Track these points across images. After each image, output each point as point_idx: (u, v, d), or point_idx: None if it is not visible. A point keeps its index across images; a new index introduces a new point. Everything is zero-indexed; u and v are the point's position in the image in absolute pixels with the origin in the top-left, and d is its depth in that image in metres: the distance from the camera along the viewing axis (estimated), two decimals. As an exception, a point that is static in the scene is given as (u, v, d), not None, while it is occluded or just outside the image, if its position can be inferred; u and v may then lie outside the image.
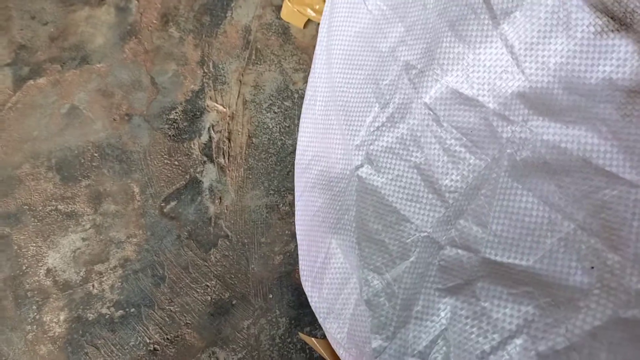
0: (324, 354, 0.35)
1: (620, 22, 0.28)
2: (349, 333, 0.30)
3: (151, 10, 0.52)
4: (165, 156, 0.44)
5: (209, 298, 0.39)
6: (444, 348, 0.26)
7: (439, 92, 0.31)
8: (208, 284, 0.39)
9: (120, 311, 0.38)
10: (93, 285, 0.39)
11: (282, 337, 0.37)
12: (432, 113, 0.31)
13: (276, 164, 0.43)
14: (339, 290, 0.31)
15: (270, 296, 0.38)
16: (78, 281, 0.39)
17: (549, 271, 0.26)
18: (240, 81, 0.48)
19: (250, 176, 0.43)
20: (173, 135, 0.45)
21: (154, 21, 0.51)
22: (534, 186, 0.27)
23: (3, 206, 0.42)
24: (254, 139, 0.45)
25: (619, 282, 0.24)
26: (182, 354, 0.37)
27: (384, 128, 0.32)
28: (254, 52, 0.49)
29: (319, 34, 0.40)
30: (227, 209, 0.42)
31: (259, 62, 0.48)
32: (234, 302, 0.38)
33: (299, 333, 0.36)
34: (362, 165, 0.32)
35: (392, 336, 0.28)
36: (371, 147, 0.32)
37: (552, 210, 0.27)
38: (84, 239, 0.41)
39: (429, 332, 0.27)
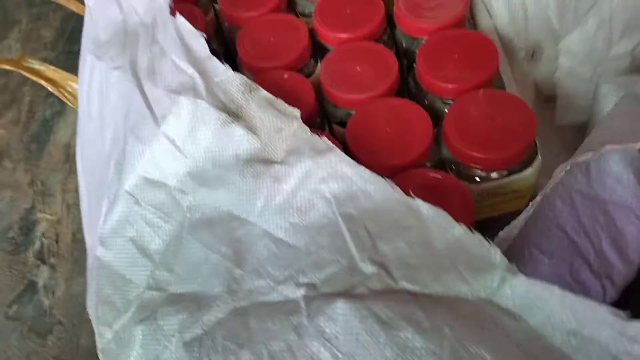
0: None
1: (235, 115, 0.38)
2: None
3: (-13, 151, 0.63)
4: (6, 269, 0.54)
5: (49, 376, 0.48)
6: None
7: (133, 180, 0.40)
8: (47, 364, 0.48)
9: (-23, 406, 0.48)
10: (-47, 391, 0.49)
11: (109, 392, 0.46)
12: (132, 197, 0.40)
13: (98, 251, 0.53)
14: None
15: (98, 361, 0.47)
16: (-58, 391, 0.49)
17: (202, 290, 0.35)
18: (64, 190, 0.59)
19: (76, 267, 0.53)
20: (11, 250, 0.55)
21: (-10, 160, 0.62)
22: (201, 236, 0.37)
23: None
24: (77, 235, 0.55)
25: (239, 287, 0.34)
26: None
27: (108, 215, 0.42)
28: (74, 163, 0.60)
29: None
30: (59, 299, 0.52)
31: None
32: (69, 374, 0.48)
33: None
34: (97, 247, 0.42)
35: None
36: (102, 232, 0.42)
37: (207, 250, 0.36)
38: (-57, 355, 0.50)
39: (131, 353, 0.36)
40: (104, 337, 0.39)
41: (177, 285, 0.37)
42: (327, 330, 0.29)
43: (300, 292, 0.32)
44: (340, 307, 0.29)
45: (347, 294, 0.30)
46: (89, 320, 0.49)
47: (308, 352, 0.28)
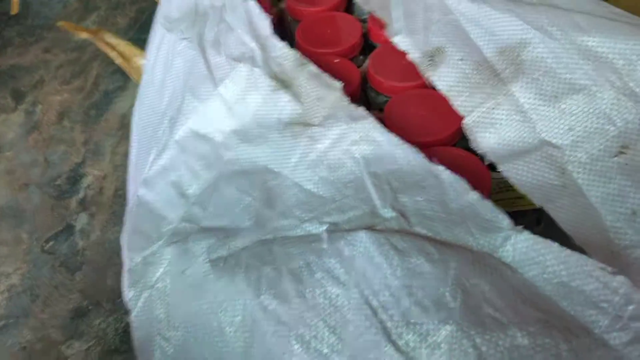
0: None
1: (283, 83, 0.42)
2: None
3: (51, 110, 0.68)
4: (49, 211, 0.58)
5: (72, 306, 0.50)
6: (165, 275, 0.38)
7: (184, 132, 0.44)
8: (72, 297, 0.51)
9: (3, 321, 0.50)
10: (-16, 306, 0.52)
11: (124, 328, 0.49)
12: (180, 146, 0.44)
13: (135, 208, 0.57)
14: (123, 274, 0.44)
15: (119, 300, 0.50)
16: (-27, 304, 0.52)
17: (232, 224, 0.37)
18: (114, 152, 0.63)
19: (113, 218, 0.57)
20: (57, 195, 0.60)
21: (52, 118, 0.67)
22: (236, 182, 0.40)
23: None
24: (119, 192, 0.59)
25: (266, 224, 0.37)
26: (47, 347, 0.49)
27: (154, 161, 0.46)
28: (126, 131, 0.65)
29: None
30: (92, 243, 0.55)
31: (130, 137, 0.63)
32: (90, 308, 0.50)
33: (129, 318, 0.48)
34: (140, 188, 0.46)
35: (138, 285, 0.40)
36: (146, 175, 0.46)
37: (241, 193, 0.39)
38: (-19, 275, 0.54)
39: (159, 270, 0.39)
40: (133, 260, 0.42)
41: (209, 221, 0.40)
42: (346, 251, 0.31)
43: (323, 228, 0.35)
44: (361, 235, 0.32)
45: (368, 228, 0.33)
46: (117, 264, 0.53)
47: (324, 267, 0.31)
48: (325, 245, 0.32)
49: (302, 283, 0.30)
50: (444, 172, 0.34)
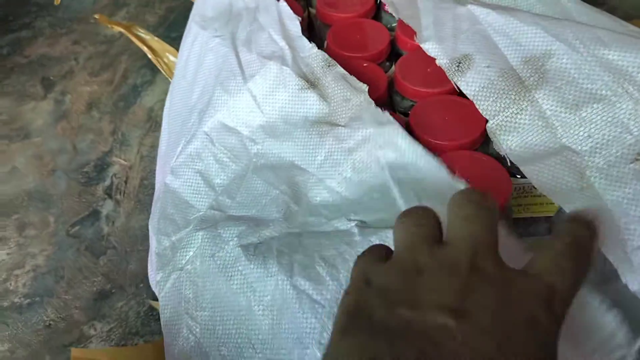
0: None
1: (311, 83, 0.44)
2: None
3: (80, 101, 0.71)
4: (75, 196, 0.60)
5: (95, 289, 0.52)
6: (194, 258, 0.40)
7: (212, 124, 0.46)
8: (95, 279, 0.53)
9: (28, 300, 0.52)
10: (10, 284, 0.54)
11: (145, 312, 0.50)
12: (208, 137, 0.46)
13: (159, 198, 0.59)
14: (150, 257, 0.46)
15: (141, 285, 0.52)
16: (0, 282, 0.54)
17: (261, 215, 0.39)
18: (141, 143, 0.65)
19: (138, 206, 0.59)
20: (84, 182, 0.62)
21: (82, 107, 0.70)
22: (264, 175, 0.42)
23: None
24: (144, 181, 0.61)
25: (294, 218, 0.39)
26: (70, 326, 0.50)
27: (183, 150, 0.48)
28: (153, 123, 0.67)
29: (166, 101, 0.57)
30: (117, 229, 0.57)
31: (156, 130, 0.65)
32: (113, 291, 0.52)
33: (150, 302, 0.50)
34: (168, 176, 0.48)
35: (167, 267, 0.42)
36: (174, 163, 0.48)
37: (268, 185, 0.41)
38: (8, 254, 0.56)
39: (188, 253, 0.41)
40: (161, 244, 0.44)
41: (237, 210, 0.42)
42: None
43: (352, 224, 0.37)
44: (392, 233, 0.34)
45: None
46: (140, 250, 0.55)
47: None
48: (357, 238, 0.34)
49: (335, 268, 0.32)
50: (464, 186, 0.36)
